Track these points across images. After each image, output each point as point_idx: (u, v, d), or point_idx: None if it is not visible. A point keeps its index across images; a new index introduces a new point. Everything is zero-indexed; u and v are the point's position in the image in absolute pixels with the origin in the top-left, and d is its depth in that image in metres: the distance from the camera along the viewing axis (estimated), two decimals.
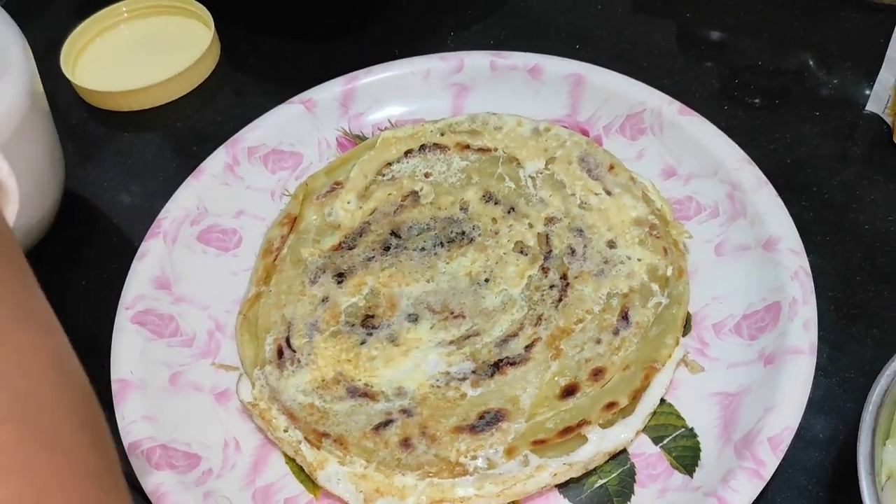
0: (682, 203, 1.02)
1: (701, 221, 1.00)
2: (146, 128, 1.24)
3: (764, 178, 0.98)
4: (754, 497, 0.76)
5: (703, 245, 0.98)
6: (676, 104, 1.07)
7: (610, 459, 0.84)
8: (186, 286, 0.94)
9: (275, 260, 1.01)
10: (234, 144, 1.11)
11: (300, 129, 1.14)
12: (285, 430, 0.82)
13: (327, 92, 1.16)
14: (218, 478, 0.78)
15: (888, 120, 1.07)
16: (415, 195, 1.06)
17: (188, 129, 1.24)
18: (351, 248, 1.02)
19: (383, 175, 1.09)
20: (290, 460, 0.81)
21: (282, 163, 1.13)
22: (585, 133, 1.11)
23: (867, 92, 1.10)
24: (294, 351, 0.88)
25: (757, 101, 1.14)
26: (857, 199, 1.01)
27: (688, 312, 0.93)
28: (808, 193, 1.02)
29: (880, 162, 1.05)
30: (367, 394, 0.84)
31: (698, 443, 0.84)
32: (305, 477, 0.79)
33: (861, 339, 0.90)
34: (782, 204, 0.95)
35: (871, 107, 1.10)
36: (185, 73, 1.27)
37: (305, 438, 0.80)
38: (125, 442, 0.78)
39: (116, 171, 1.14)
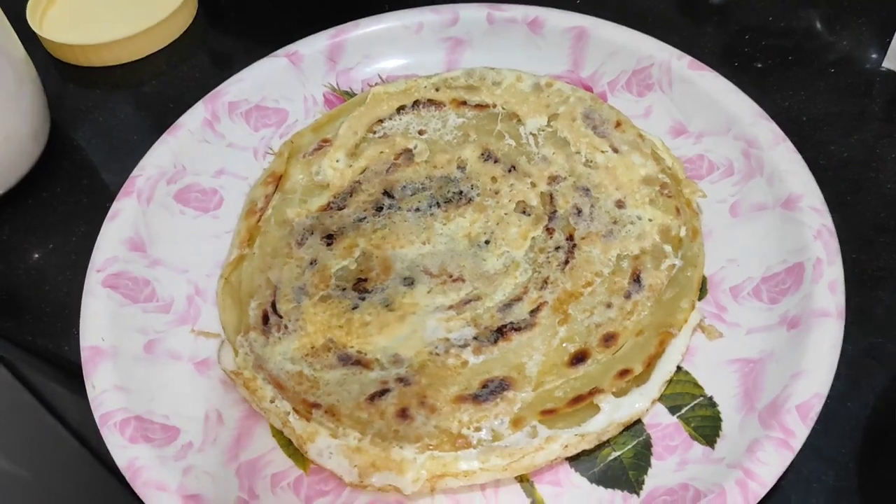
0: (693, 162, 0.97)
1: (714, 181, 0.94)
2: (119, 84, 1.17)
3: (781, 133, 0.92)
4: (783, 469, 0.70)
5: (717, 205, 0.93)
6: (686, 58, 1.01)
7: (624, 430, 0.79)
8: (163, 248, 0.89)
9: (258, 221, 0.95)
10: (214, 99, 1.04)
11: (285, 84, 1.08)
12: (272, 401, 0.77)
13: (314, 46, 1.10)
14: (199, 452, 0.74)
15: None
16: (408, 153, 1.00)
17: (164, 87, 1.18)
18: (340, 209, 0.96)
19: (374, 132, 1.02)
20: (278, 433, 0.77)
21: (265, 119, 1.06)
22: (589, 90, 1.05)
23: (881, 49, 1.04)
24: (280, 316, 0.83)
25: (769, 59, 1.08)
26: (878, 158, 0.96)
27: (703, 276, 0.87)
28: (825, 152, 0.97)
29: None
30: (360, 361, 0.80)
31: (718, 412, 0.78)
32: (294, 451, 0.76)
33: (887, 303, 0.85)
34: (802, 160, 0.89)
35: (887, 63, 1.04)
36: (160, 27, 1.19)
37: (294, 409, 0.76)
38: (96, 413, 0.73)
39: (87, 130, 1.10)
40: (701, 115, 0.98)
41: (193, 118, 0.99)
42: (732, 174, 0.93)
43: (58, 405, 0.82)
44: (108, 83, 1.14)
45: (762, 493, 0.70)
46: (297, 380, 0.78)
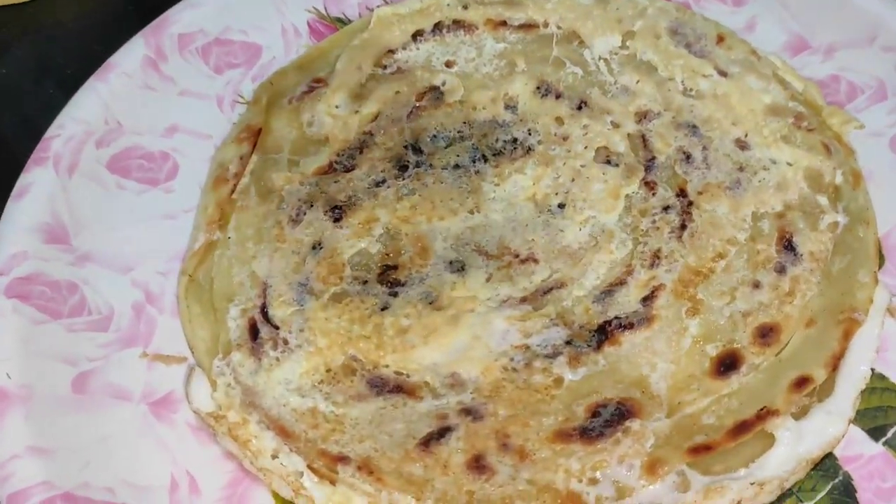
0: (825, 86, 0.77)
1: (859, 108, 0.75)
2: (30, 25, 0.97)
3: None
4: None
5: (871, 140, 0.72)
6: None
7: (811, 470, 0.57)
8: (94, 238, 0.72)
9: (232, 193, 0.73)
10: (158, 31, 0.82)
11: (255, 9, 0.86)
12: (274, 456, 0.59)
13: None
14: None
15: None
16: (435, 92, 0.78)
17: (87, 26, 0.96)
18: (348, 170, 0.74)
19: (385, 67, 0.81)
20: (286, 503, 0.60)
21: (230, 57, 0.84)
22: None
23: None
24: (276, 327, 0.65)
25: None
26: None
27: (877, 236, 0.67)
28: None
29: None
30: (401, 387, 0.62)
31: None
32: None
33: None
34: None
35: None
36: None
37: (309, 467, 0.59)
38: (1, 493, 0.58)
39: None
40: (828, 23, 0.79)
41: (130, 57, 0.81)
42: (886, 98, 0.75)
43: None
44: (16, 23, 0.96)
45: None
46: (309, 420, 0.60)
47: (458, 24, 0.82)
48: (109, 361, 0.67)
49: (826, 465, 0.57)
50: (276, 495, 0.59)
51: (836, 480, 0.56)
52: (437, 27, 0.82)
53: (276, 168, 0.74)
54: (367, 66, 0.80)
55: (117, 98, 0.78)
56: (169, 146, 0.78)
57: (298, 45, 0.86)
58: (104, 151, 0.76)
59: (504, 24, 0.82)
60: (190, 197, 0.76)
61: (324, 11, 0.87)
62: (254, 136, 0.77)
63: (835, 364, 0.58)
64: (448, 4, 0.83)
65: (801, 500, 0.55)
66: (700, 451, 0.55)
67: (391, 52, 0.81)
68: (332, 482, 0.56)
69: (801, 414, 0.57)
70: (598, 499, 0.54)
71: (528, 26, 0.82)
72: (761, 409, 0.56)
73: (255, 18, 0.86)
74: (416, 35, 0.82)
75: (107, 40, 0.88)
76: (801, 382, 0.57)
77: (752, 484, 0.53)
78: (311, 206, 0.71)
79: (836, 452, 0.57)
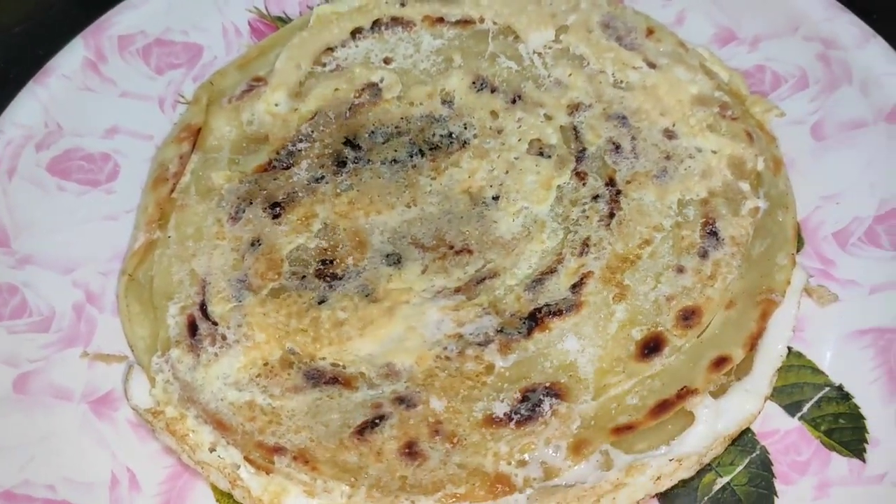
0: (750, 76, 0.77)
1: (783, 97, 0.75)
2: None
3: (869, 28, 0.73)
4: None
5: (793, 128, 0.73)
6: None
7: (729, 445, 0.59)
8: (35, 240, 0.71)
9: (172, 192, 0.72)
10: (97, 33, 0.81)
11: (196, 10, 0.85)
12: (212, 450, 0.59)
13: None
14: None
15: None
16: (374, 88, 0.77)
17: (30, 29, 0.94)
18: (287, 167, 0.73)
19: (324, 64, 0.80)
20: (224, 496, 0.60)
21: (171, 58, 0.83)
22: None
23: None
24: (215, 323, 0.64)
25: None
26: None
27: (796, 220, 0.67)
28: None
29: None
30: (337, 379, 0.61)
31: (856, 406, 0.59)
32: None
33: None
34: None
35: None
36: None
37: (246, 458, 0.59)
38: None
39: None
40: (753, 15, 0.79)
41: (70, 59, 0.80)
42: (807, 86, 0.75)
43: None
44: None
45: None
46: (246, 413, 0.60)
47: (396, 21, 0.81)
48: (50, 362, 0.66)
49: (744, 440, 0.58)
50: (214, 488, 0.59)
51: (754, 455, 0.58)
52: (376, 24, 0.81)
53: (216, 167, 0.73)
54: (307, 64, 0.79)
55: (57, 101, 0.77)
56: (110, 147, 0.77)
57: (240, 45, 0.85)
58: (44, 154, 0.75)
59: (441, 20, 0.81)
60: (131, 197, 0.75)
61: (264, 11, 0.85)
62: (194, 135, 0.75)
63: (752, 344, 0.59)
64: (386, 2, 0.82)
65: (719, 475, 0.57)
66: (623, 430, 0.55)
67: (330, 49, 0.80)
68: (269, 472, 0.56)
69: (719, 392, 0.58)
70: (526, 480, 0.55)
71: (464, 22, 0.80)
72: (681, 389, 0.56)
73: (196, 19, 0.84)
74: (355, 33, 0.81)
75: (50, 44, 0.84)
76: (720, 362, 0.58)
77: (671, 460, 0.54)
78: (251, 203, 0.70)
79: (754, 428, 0.58)
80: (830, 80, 0.72)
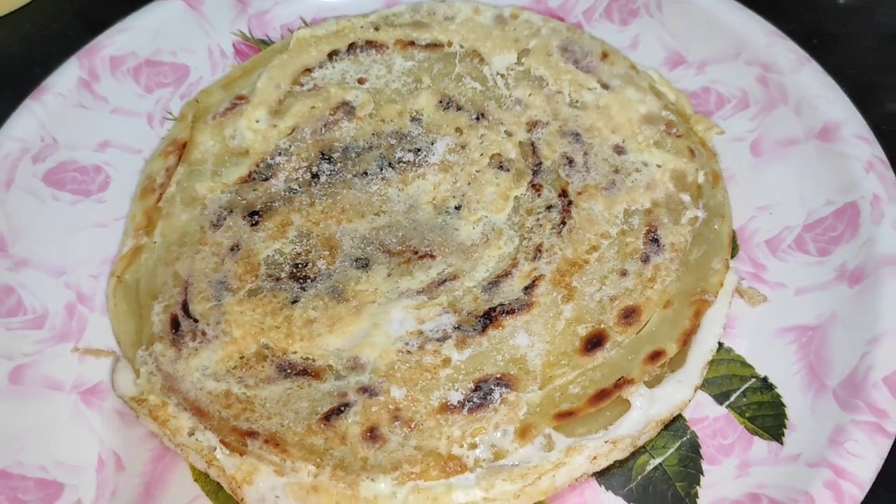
0: (697, 96, 0.82)
1: (726, 116, 0.80)
2: None
3: (804, 53, 0.78)
4: (882, 460, 0.54)
5: (734, 145, 0.78)
6: None
7: (662, 430, 0.63)
8: (30, 245, 0.74)
9: (159, 201, 0.76)
10: (91, 54, 0.84)
11: (183, 33, 0.89)
12: (191, 434, 0.63)
13: None
14: None
15: None
16: (347, 107, 0.82)
17: (28, 49, 0.97)
18: (266, 179, 0.78)
19: (302, 84, 0.84)
20: (202, 476, 0.64)
21: (160, 77, 0.87)
22: (560, 21, 0.86)
23: None
24: (195, 320, 0.69)
25: None
26: None
27: (732, 229, 0.71)
28: (841, 75, 0.80)
29: None
30: (307, 371, 0.65)
31: (778, 396, 0.63)
32: (227, 498, 0.61)
33: None
34: (834, 83, 0.75)
35: None
36: None
37: (222, 442, 0.62)
38: None
39: None
40: (701, 40, 0.83)
41: (65, 78, 0.83)
42: (748, 106, 0.79)
43: None
44: None
45: (861, 495, 0.54)
46: (223, 401, 0.64)
47: (370, 44, 0.85)
48: (44, 356, 0.68)
49: (676, 425, 0.62)
50: (192, 468, 0.62)
51: (684, 439, 0.62)
52: (352, 47, 0.85)
53: (200, 178, 0.77)
54: (286, 83, 0.83)
55: (53, 116, 0.80)
56: (101, 160, 0.80)
57: (224, 65, 0.88)
58: (40, 166, 0.77)
59: (412, 43, 0.85)
60: (120, 206, 0.78)
61: (248, 34, 0.90)
62: (179, 149, 0.79)
63: (686, 339, 0.63)
64: (361, 26, 0.86)
65: (652, 456, 0.61)
66: (565, 416, 0.60)
67: (308, 70, 0.84)
68: (242, 454, 0.60)
69: (654, 382, 0.62)
70: (476, 461, 0.59)
71: (433, 45, 0.85)
72: (619, 379, 0.61)
73: (184, 41, 0.88)
74: (332, 55, 0.85)
75: (46, 63, 0.86)
76: (655, 355, 0.62)
77: (606, 442, 0.59)
78: (231, 212, 0.74)
79: (686, 415, 0.62)
80: (768, 101, 0.77)
